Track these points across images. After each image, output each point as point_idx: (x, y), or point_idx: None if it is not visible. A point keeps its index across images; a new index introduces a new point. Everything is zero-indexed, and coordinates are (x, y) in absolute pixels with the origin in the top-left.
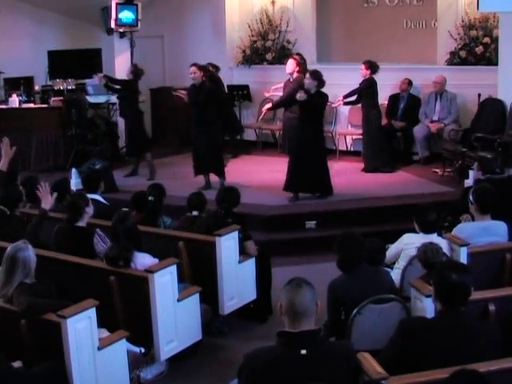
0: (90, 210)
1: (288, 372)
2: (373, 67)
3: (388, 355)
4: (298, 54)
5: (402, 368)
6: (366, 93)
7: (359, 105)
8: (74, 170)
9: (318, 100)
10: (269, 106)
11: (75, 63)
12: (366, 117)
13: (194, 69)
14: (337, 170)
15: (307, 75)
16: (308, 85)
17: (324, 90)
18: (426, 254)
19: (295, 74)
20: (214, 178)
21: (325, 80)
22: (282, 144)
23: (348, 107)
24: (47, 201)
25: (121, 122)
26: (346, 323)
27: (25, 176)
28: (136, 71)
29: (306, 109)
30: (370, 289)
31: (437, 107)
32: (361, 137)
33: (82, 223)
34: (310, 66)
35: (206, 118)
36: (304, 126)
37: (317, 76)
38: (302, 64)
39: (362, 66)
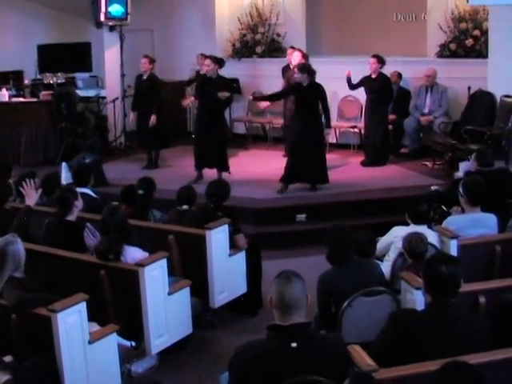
0: (79, 203)
1: (279, 365)
2: (383, 61)
3: (378, 347)
4: (293, 48)
5: (392, 360)
6: (384, 89)
7: (352, 97)
8: (64, 164)
9: (313, 91)
10: (266, 104)
11: (65, 57)
12: (375, 111)
13: (209, 61)
14: (328, 163)
15: (295, 70)
16: (300, 79)
17: None
18: (411, 243)
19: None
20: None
21: (314, 70)
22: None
23: (338, 100)
24: (31, 197)
25: (111, 115)
26: (337, 316)
27: (23, 171)
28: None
29: (302, 102)
30: (360, 281)
31: (427, 100)
32: (350, 129)
33: (71, 217)
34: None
35: (215, 110)
36: (301, 117)
37: (304, 69)
38: (307, 58)
39: (372, 60)
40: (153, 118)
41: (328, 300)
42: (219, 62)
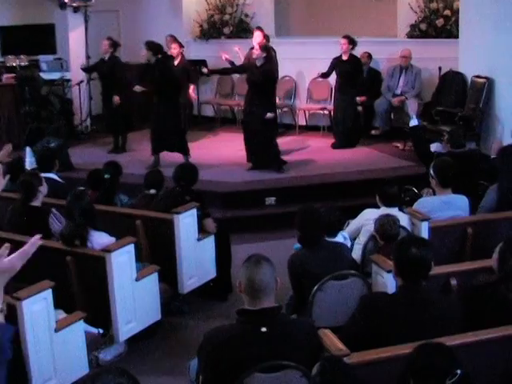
0: (43, 189)
1: (248, 350)
2: (354, 42)
3: (349, 331)
4: (259, 28)
5: (363, 344)
6: (355, 71)
7: (321, 79)
8: (28, 149)
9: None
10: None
11: (28, 39)
12: (344, 93)
13: (175, 45)
14: (297, 146)
15: (256, 47)
16: (257, 56)
17: (284, 65)
18: (383, 226)
19: (261, 60)
20: (166, 156)
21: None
22: None
23: (307, 82)
24: None
25: (76, 98)
26: (308, 297)
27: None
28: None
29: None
30: (330, 263)
31: (401, 81)
32: (320, 111)
33: (36, 203)
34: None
35: (170, 93)
36: (254, 99)
37: (264, 48)
38: (267, 38)
39: (343, 41)
40: (116, 99)
41: (299, 281)
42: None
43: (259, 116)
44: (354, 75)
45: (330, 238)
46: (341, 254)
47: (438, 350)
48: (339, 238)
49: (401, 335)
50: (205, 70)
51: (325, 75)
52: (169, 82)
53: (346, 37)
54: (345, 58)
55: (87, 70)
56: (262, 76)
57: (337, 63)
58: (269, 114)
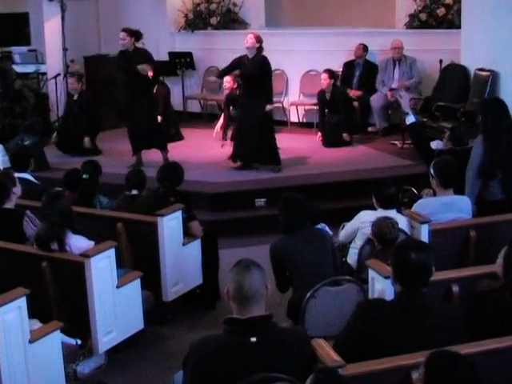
0: (17, 190)
1: (237, 361)
2: (334, 76)
3: (344, 341)
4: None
5: (359, 355)
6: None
7: (314, 72)
8: (0, 147)
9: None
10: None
11: (0, 29)
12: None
13: (124, 34)
14: (289, 143)
15: (250, 36)
16: (250, 47)
17: (274, 57)
18: (382, 229)
19: (254, 51)
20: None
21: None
22: None
23: (300, 75)
24: None
25: (52, 93)
26: (291, 280)
27: None
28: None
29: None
30: (311, 245)
31: (396, 74)
32: (313, 107)
33: (9, 205)
34: (258, 32)
35: (145, 87)
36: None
37: (259, 40)
38: (260, 42)
39: (323, 76)
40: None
41: (280, 265)
42: (135, 34)
43: (258, 110)
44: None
45: None
46: (323, 239)
47: (454, 357)
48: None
49: (399, 345)
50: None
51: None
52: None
53: (327, 71)
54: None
55: None
56: (255, 67)
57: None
58: (268, 106)
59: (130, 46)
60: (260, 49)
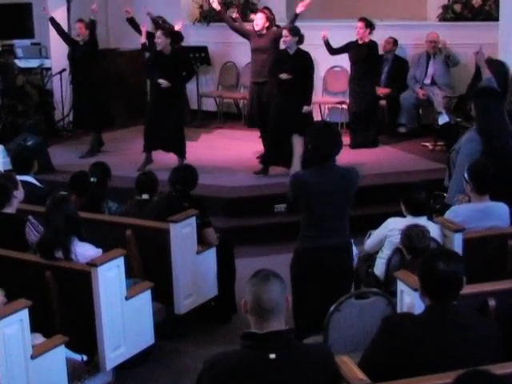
0: (19, 194)
1: (255, 380)
2: (372, 25)
3: (370, 358)
4: (267, 8)
5: (386, 373)
6: (372, 57)
7: (339, 68)
8: (1, 148)
9: (302, 61)
10: None
11: (1, 21)
12: (362, 84)
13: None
14: None
15: (284, 32)
16: (287, 43)
17: None
18: (411, 238)
19: (264, 31)
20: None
21: (303, 34)
22: (248, 116)
23: (323, 71)
24: None
25: (57, 90)
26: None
27: None
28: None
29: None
30: (336, 185)
31: (429, 70)
32: (337, 105)
33: (10, 209)
34: (280, 24)
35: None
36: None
37: (296, 31)
38: (272, 20)
39: (359, 24)
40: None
41: (297, 193)
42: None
43: (296, 110)
44: (371, 62)
45: None
46: (350, 179)
47: (487, 378)
48: None
49: (428, 362)
50: None
51: (331, 49)
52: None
53: (362, 19)
54: (361, 42)
55: None
56: (302, 64)
57: (352, 47)
58: (306, 107)
59: (167, 48)
60: (300, 42)
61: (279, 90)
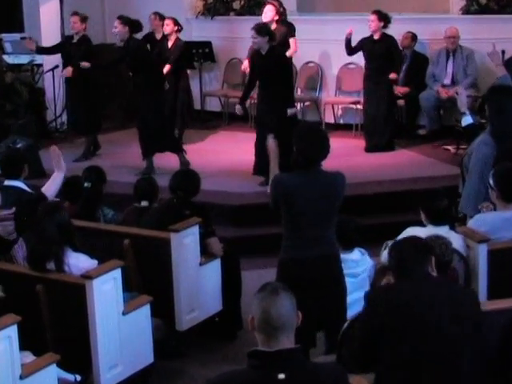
0: None
1: None
2: (387, 18)
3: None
4: (276, 0)
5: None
6: (388, 53)
7: (353, 65)
8: None
9: (274, 60)
10: None
11: None
12: (377, 82)
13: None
14: None
15: (252, 33)
16: (257, 45)
17: (307, 48)
18: (434, 251)
19: (273, 25)
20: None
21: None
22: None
23: (336, 69)
24: None
25: (49, 88)
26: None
27: None
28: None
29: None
30: (321, 191)
31: (449, 68)
32: (352, 106)
33: None
34: (289, 18)
35: (153, 83)
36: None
37: (264, 31)
38: (281, 13)
39: (372, 17)
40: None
41: (278, 199)
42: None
43: (274, 112)
44: (387, 58)
45: (346, 254)
46: (335, 185)
47: None
48: (355, 254)
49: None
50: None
51: (350, 48)
52: (146, 69)
53: (376, 12)
54: (376, 37)
55: None
56: (275, 64)
57: (366, 43)
58: (289, 110)
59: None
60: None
61: (258, 95)
